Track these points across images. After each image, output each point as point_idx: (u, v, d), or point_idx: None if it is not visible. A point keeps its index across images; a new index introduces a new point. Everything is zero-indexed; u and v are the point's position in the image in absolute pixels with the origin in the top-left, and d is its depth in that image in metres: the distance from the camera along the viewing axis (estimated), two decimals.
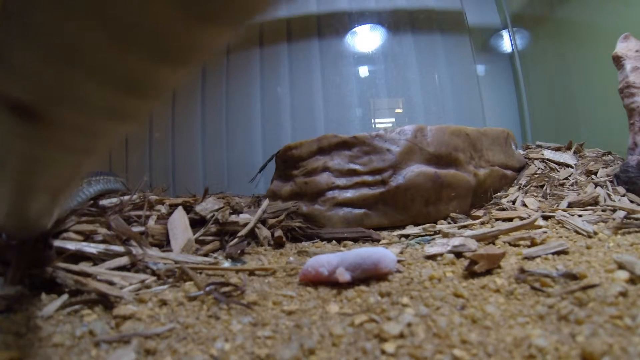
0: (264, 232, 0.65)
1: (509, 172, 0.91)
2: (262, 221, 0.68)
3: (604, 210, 0.67)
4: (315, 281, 0.42)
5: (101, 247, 0.47)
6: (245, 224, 0.63)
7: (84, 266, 0.44)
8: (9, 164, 0.21)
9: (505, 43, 1.62)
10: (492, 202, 0.83)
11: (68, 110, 0.15)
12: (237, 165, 1.51)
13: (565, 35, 1.34)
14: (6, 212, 0.30)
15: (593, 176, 0.86)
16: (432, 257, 0.50)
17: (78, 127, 0.16)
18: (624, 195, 0.73)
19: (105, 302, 0.37)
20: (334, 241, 0.67)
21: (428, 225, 0.72)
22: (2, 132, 0.17)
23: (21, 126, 0.16)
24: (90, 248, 0.47)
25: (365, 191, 0.76)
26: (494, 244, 0.55)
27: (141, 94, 0.15)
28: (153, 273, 0.44)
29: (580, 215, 0.65)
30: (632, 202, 0.71)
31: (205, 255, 0.54)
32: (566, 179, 0.87)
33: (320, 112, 1.51)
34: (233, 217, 0.63)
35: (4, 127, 0.17)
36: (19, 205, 0.28)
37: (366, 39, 1.57)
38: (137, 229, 0.55)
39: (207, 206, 0.63)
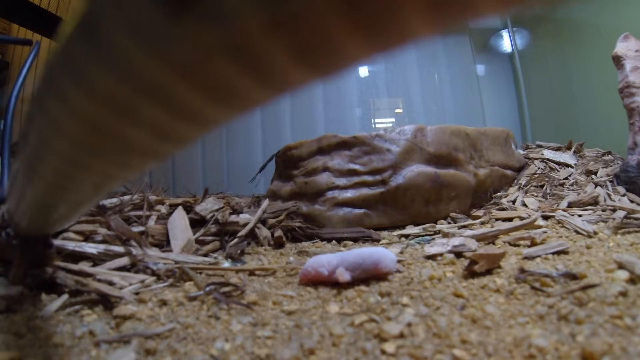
0: (264, 232, 0.65)
1: (509, 172, 0.91)
2: (262, 221, 0.68)
3: (604, 210, 0.67)
4: (315, 281, 0.42)
5: (101, 247, 0.47)
6: (245, 224, 0.63)
7: (84, 266, 0.44)
8: (60, 142, 0.17)
9: (505, 43, 1.62)
10: (492, 202, 0.83)
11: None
12: (237, 165, 1.51)
13: (565, 35, 1.34)
14: (31, 210, 0.28)
15: (593, 176, 0.86)
16: (432, 257, 0.50)
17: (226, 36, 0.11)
18: (624, 195, 0.73)
19: (105, 302, 0.37)
20: (334, 241, 0.67)
21: (428, 225, 0.72)
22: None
23: (159, 23, 0.11)
24: (90, 248, 0.47)
25: (365, 191, 0.76)
26: (494, 244, 0.55)
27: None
28: (153, 273, 0.44)
29: (580, 215, 0.65)
30: (632, 202, 0.71)
31: (205, 255, 0.54)
32: (566, 178, 0.87)
33: (320, 112, 1.51)
34: (233, 217, 0.63)
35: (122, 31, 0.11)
36: (47, 209, 0.27)
37: None
38: (137, 229, 0.55)
39: (207, 206, 0.63)
